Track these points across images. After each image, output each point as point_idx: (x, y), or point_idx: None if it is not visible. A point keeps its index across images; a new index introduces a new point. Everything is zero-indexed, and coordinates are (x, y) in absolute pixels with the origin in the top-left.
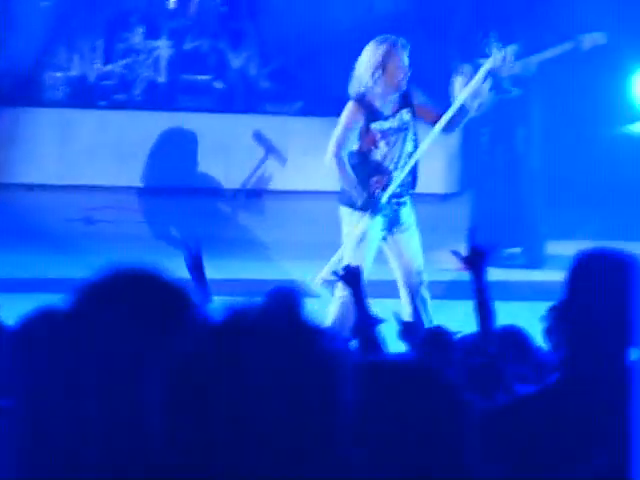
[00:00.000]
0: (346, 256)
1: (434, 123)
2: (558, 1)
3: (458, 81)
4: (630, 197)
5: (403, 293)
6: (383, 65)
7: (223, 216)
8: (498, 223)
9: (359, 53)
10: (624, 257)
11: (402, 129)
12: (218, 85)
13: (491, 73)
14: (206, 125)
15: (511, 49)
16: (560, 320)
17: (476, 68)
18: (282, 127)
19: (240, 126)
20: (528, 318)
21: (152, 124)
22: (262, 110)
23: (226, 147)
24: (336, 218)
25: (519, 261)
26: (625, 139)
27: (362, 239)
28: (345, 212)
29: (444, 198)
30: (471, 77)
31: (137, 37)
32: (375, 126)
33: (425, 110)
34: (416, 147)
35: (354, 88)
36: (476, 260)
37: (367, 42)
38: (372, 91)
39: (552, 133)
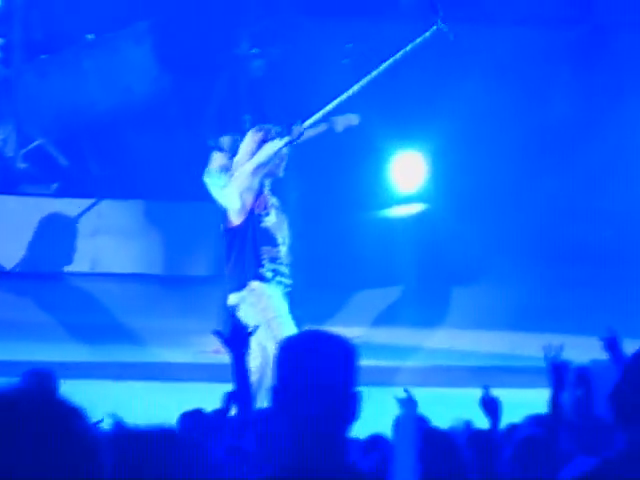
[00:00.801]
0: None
1: None
2: (314, 83)
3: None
4: (391, 281)
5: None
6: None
7: None
8: None
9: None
10: (330, 338)
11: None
12: None
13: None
14: None
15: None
16: (274, 406)
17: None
18: (38, 208)
19: None
20: None
21: None
22: (19, 191)
23: None
24: (87, 297)
25: None
26: (384, 223)
27: (275, 317)
28: (241, 298)
29: (204, 281)
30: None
31: None
32: (267, 192)
33: None
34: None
35: (234, 171)
36: (237, 341)
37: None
38: None
39: (311, 217)
